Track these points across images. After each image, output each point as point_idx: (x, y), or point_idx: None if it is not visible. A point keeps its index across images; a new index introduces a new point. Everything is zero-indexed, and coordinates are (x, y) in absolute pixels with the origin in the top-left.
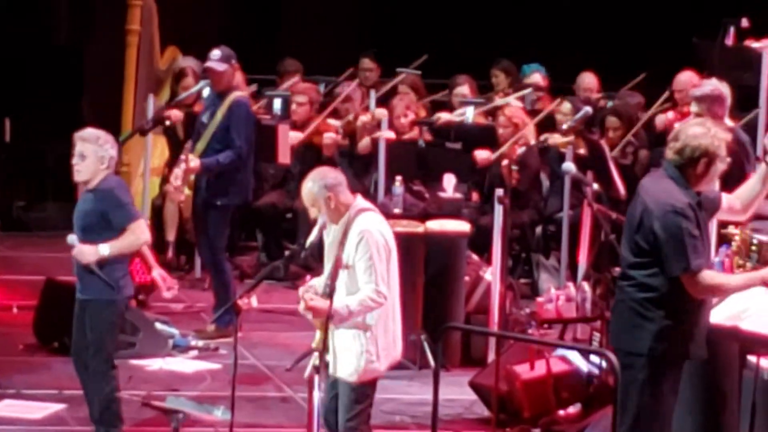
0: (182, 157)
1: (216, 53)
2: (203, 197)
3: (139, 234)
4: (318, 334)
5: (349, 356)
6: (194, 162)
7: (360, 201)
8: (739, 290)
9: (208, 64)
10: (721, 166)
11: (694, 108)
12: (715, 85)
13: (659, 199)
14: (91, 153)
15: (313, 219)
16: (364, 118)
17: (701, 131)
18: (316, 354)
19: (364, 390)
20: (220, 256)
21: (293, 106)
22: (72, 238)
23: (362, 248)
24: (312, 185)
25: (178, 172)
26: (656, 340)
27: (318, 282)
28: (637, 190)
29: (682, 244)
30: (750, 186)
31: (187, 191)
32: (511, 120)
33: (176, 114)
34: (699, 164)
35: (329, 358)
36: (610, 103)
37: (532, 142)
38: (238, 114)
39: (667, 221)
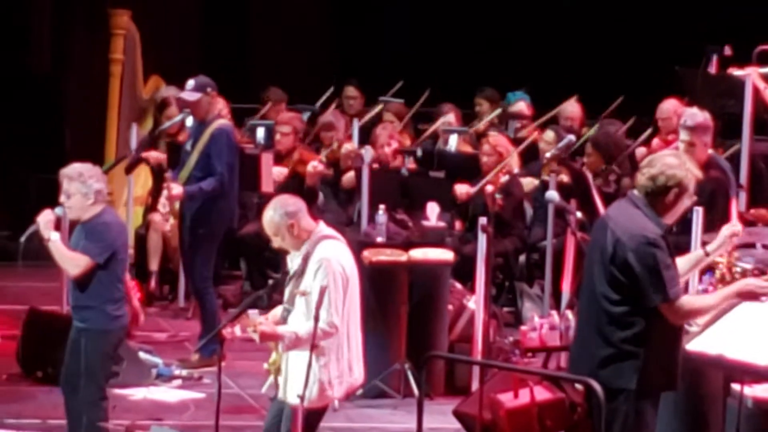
0: (165, 185)
1: (190, 83)
2: (188, 226)
3: (78, 262)
4: (273, 355)
5: (299, 382)
6: (177, 189)
7: (322, 227)
8: (716, 308)
9: (180, 94)
10: (687, 201)
11: (685, 137)
12: (705, 115)
13: (631, 231)
14: (75, 191)
15: (277, 248)
16: (348, 147)
17: (677, 162)
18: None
19: (312, 416)
20: (206, 285)
21: (277, 136)
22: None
23: (320, 278)
24: (273, 213)
25: (164, 200)
26: (639, 375)
27: (255, 313)
28: (603, 219)
29: (659, 275)
30: (680, 264)
31: (172, 220)
32: (495, 149)
33: (155, 156)
34: (669, 194)
35: (280, 380)
36: (591, 131)
37: (516, 170)
38: (220, 141)
39: (641, 253)
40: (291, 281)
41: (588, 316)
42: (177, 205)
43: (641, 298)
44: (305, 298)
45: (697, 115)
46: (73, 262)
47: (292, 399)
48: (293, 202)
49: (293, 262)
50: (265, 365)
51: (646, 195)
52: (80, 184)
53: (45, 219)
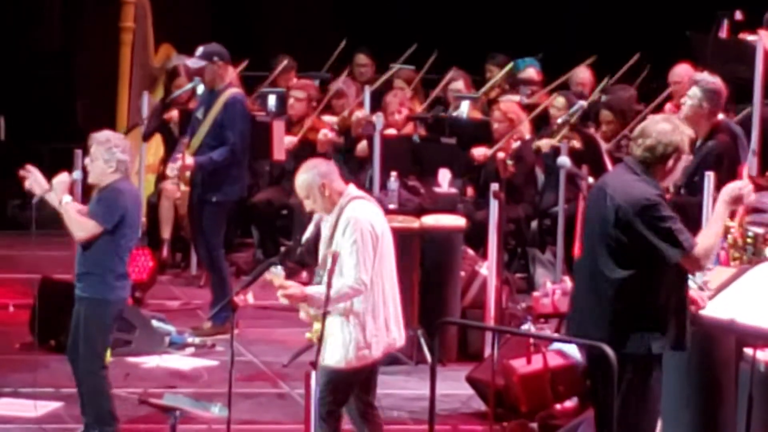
0: (178, 154)
1: (198, 51)
2: (198, 194)
3: (85, 226)
4: (316, 325)
5: (336, 344)
6: (189, 159)
7: (352, 189)
8: (720, 233)
9: (187, 61)
10: (684, 162)
11: (696, 92)
12: (717, 80)
13: (631, 197)
14: (99, 156)
15: (308, 212)
16: (359, 114)
17: (670, 127)
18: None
19: (348, 376)
20: (217, 253)
21: (291, 101)
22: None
23: (348, 235)
24: (305, 175)
25: (174, 166)
26: (646, 340)
27: (278, 269)
28: (600, 188)
29: (670, 231)
30: None
31: (183, 187)
32: (506, 115)
33: (174, 114)
34: (669, 160)
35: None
36: (604, 97)
37: (527, 136)
38: (233, 111)
39: (646, 216)
40: (324, 245)
41: (589, 285)
42: (188, 173)
43: (652, 261)
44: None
45: (714, 78)
46: (79, 225)
47: (331, 361)
48: (325, 164)
49: (324, 226)
50: (308, 335)
51: (644, 163)
52: (105, 150)
53: (60, 180)
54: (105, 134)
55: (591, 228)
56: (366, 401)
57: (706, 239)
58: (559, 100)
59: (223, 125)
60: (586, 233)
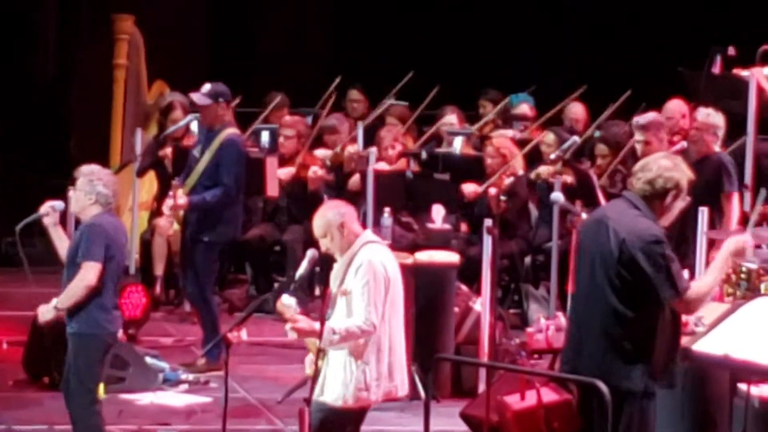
0: (170, 192)
1: (205, 87)
2: (191, 232)
3: (84, 275)
4: (309, 356)
5: (336, 382)
6: (182, 199)
7: (369, 234)
8: (718, 280)
9: (192, 95)
10: (681, 203)
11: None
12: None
13: (636, 231)
14: (81, 187)
15: (324, 251)
16: (351, 149)
17: (671, 164)
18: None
19: (342, 415)
20: (207, 292)
21: (281, 140)
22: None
23: (360, 276)
24: (328, 212)
25: (168, 204)
26: (646, 375)
27: (291, 301)
28: (600, 221)
29: (669, 271)
30: None
31: (176, 226)
32: (499, 151)
33: (169, 151)
34: (668, 196)
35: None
36: (597, 133)
37: (521, 172)
38: (229, 152)
39: (649, 252)
40: (334, 286)
41: (589, 320)
42: (181, 212)
43: (653, 297)
44: (346, 299)
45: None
46: (83, 281)
47: (329, 399)
48: (347, 206)
49: (336, 267)
50: (308, 370)
51: (644, 198)
52: (87, 182)
53: (42, 313)
54: (91, 167)
55: (590, 262)
56: None
57: (702, 286)
58: (550, 137)
59: (218, 166)
60: (582, 267)
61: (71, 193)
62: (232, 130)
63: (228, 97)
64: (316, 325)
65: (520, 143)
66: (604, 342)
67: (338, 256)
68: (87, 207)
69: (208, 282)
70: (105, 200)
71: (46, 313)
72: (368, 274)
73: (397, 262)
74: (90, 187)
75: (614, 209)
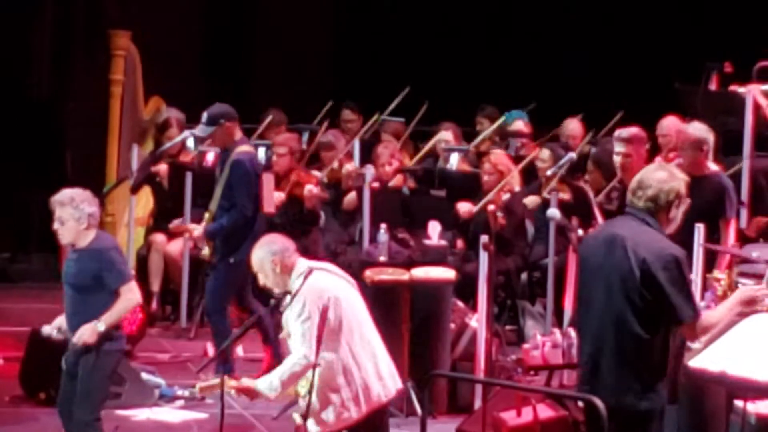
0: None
1: (203, 117)
2: (219, 256)
3: (130, 296)
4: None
5: (318, 410)
6: (197, 231)
7: (302, 264)
8: (726, 320)
9: (194, 130)
10: (683, 207)
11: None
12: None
13: (656, 251)
14: (69, 216)
15: (261, 286)
16: (348, 167)
17: (666, 175)
18: (301, 400)
19: None
20: (223, 311)
21: (274, 158)
22: (46, 329)
23: (295, 311)
24: (258, 251)
25: (200, 244)
26: (662, 394)
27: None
28: (613, 240)
29: (689, 292)
30: None
31: (207, 251)
32: (496, 167)
33: (162, 168)
34: (672, 208)
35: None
36: (593, 149)
37: (517, 188)
38: (238, 173)
39: (672, 272)
40: (284, 322)
41: (605, 340)
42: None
43: (669, 317)
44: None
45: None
46: (124, 305)
47: (312, 428)
48: (280, 242)
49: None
50: (295, 415)
51: (650, 214)
52: (73, 210)
53: (83, 335)
54: (66, 194)
55: (606, 282)
56: None
57: (712, 318)
58: (545, 153)
59: (231, 187)
60: (594, 287)
61: (56, 226)
62: (240, 149)
63: (230, 115)
64: (256, 383)
65: (517, 160)
66: (622, 363)
67: (276, 291)
68: (81, 233)
69: (227, 299)
70: (95, 220)
71: (90, 334)
72: (302, 308)
73: (344, 279)
74: (78, 212)
75: (626, 227)
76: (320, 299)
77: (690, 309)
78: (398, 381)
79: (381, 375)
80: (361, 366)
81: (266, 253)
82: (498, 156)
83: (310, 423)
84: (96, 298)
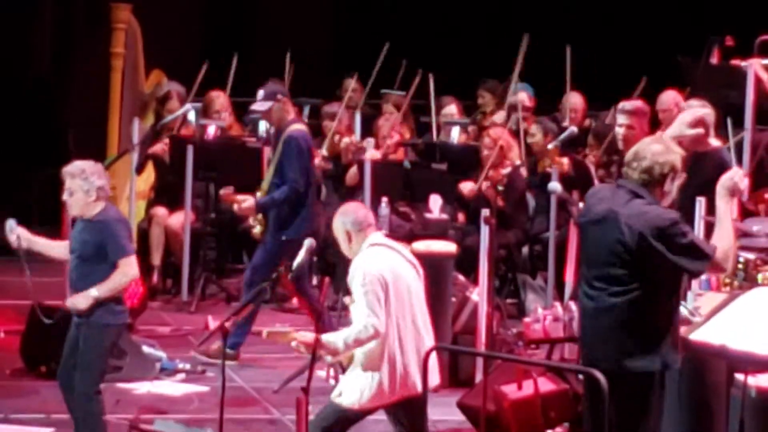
0: (222, 193)
1: (259, 94)
2: (271, 232)
3: (127, 271)
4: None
5: (354, 385)
6: (248, 202)
7: (373, 237)
8: (730, 225)
9: (252, 107)
10: (678, 181)
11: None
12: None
13: (651, 221)
14: (77, 188)
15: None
16: (347, 140)
17: (662, 148)
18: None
19: (354, 416)
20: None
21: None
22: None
23: (357, 282)
24: (336, 220)
25: (235, 209)
26: (664, 357)
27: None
28: (606, 216)
29: (694, 246)
30: None
31: (259, 228)
32: (496, 141)
33: (160, 146)
34: (666, 181)
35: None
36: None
37: (518, 162)
38: (290, 149)
39: (670, 237)
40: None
41: (607, 311)
42: (260, 215)
43: (684, 273)
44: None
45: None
46: (119, 279)
47: (345, 401)
48: (354, 212)
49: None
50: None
51: (644, 185)
52: (82, 181)
53: (76, 302)
54: (77, 165)
55: (603, 255)
56: None
57: (722, 241)
58: (534, 127)
59: (283, 164)
60: (593, 259)
61: (65, 197)
62: (294, 127)
63: (285, 92)
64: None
65: (517, 133)
66: (623, 331)
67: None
68: (90, 205)
69: (269, 275)
70: (104, 193)
71: (83, 301)
72: (363, 280)
73: (407, 261)
74: (88, 184)
75: (618, 201)
76: (380, 274)
77: (701, 259)
78: (437, 376)
79: (417, 367)
80: (405, 351)
81: (340, 223)
82: (498, 130)
83: (342, 395)
84: (98, 269)
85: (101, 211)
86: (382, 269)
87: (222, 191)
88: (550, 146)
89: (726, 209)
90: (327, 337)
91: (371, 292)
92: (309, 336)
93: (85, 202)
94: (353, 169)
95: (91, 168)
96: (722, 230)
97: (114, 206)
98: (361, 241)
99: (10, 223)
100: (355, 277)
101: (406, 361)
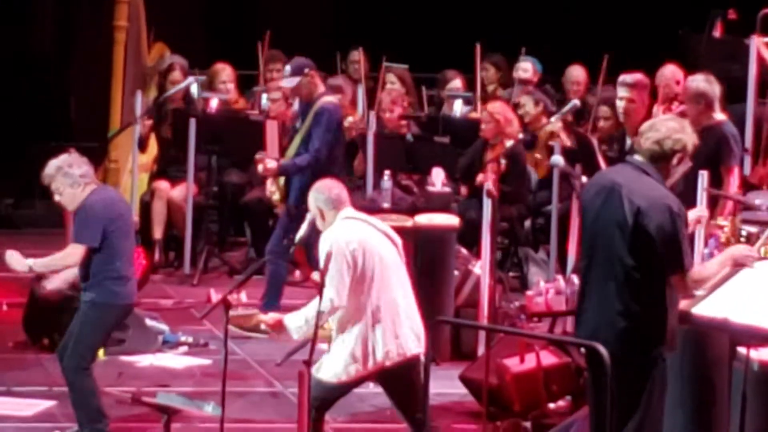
0: (257, 157)
1: (286, 70)
2: (294, 199)
3: (69, 254)
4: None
5: (331, 359)
6: (271, 164)
7: (345, 212)
8: (716, 275)
9: (280, 83)
10: (684, 167)
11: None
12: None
13: (652, 200)
14: (62, 185)
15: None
16: (350, 119)
17: (679, 126)
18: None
19: (336, 390)
20: (284, 254)
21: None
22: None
23: (325, 257)
24: (309, 196)
25: (271, 181)
26: (659, 339)
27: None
28: (610, 187)
29: (679, 245)
30: None
31: (278, 196)
32: (493, 116)
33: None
34: (674, 158)
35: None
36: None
37: (520, 136)
38: (320, 119)
39: (664, 222)
40: None
41: (605, 285)
42: (282, 181)
43: (659, 266)
44: None
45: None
46: (57, 260)
47: (324, 375)
48: (327, 190)
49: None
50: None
51: (651, 160)
52: (63, 177)
53: (12, 258)
54: (51, 165)
55: (605, 230)
56: (416, 420)
57: (704, 271)
58: (525, 99)
59: (312, 133)
60: (594, 231)
61: (57, 199)
62: (327, 99)
63: (312, 66)
64: (284, 318)
65: (516, 106)
66: (621, 308)
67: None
68: (79, 195)
69: (290, 244)
70: (89, 178)
71: (17, 264)
72: (331, 256)
73: (381, 232)
74: (69, 179)
75: (624, 175)
76: (347, 246)
77: (679, 262)
78: (422, 344)
79: (398, 334)
80: (377, 321)
81: (313, 199)
82: (495, 105)
83: (321, 370)
84: (93, 257)
85: (86, 197)
86: (350, 241)
87: (257, 155)
88: (552, 119)
89: (723, 261)
90: (290, 316)
91: (334, 264)
92: (274, 317)
93: (75, 195)
94: (358, 159)
95: (66, 161)
96: (710, 267)
97: (103, 188)
98: (333, 218)
99: (15, 256)
100: (323, 249)
101: (381, 332)
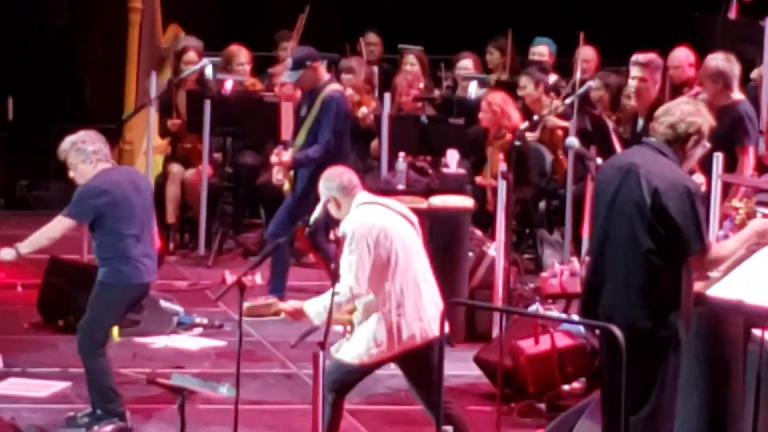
0: (275, 151)
1: (288, 63)
2: (299, 189)
3: (54, 225)
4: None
5: (353, 341)
6: (286, 156)
7: (360, 197)
8: (738, 252)
9: (283, 79)
10: (701, 150)
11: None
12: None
13: (670, 180)
14: (75, 161)
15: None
16: (364, 110)
17: (694, 109)
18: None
19: (357, 372)
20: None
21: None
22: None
23: (346, 242)
24: (320, 184)
25: (277, 167)
26: (676, 322)
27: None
28: (628, 167)
29: (698, 226)
30: None
31: (287, 186)
32: (491, 107)
33: (173, 122)
34: (689, 141)
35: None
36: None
37: (522, 126)
38: (328, 108)
39: (683, 203)
40: None
41: (620, 266)
42: (291, 172)
43: (678, 248)
44: None
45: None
46: (48, 231)
47: (345, 356)
48: (339, 177)
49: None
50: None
51: (667, 143)
52: (77, 153)
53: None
54: (67, 141)
55: (622, 211)
56: (431, 402)
57: (723, 250)
58: (523, 79)
59: (320, 123)
60: (610, 216)
61: (71, 175)
62: (332, 87)
63: (314, 56)
64: (304, 304)
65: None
66: (639, 291)
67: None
68: (90, 171)
69: (291, 228)
70: (103, 155)
71: (5, 255)
72: (351, 242)
73: (398, 214)
74: (82, 155)
75: (641, 156)
76: (369, 232)
77: (698, 241)
78: (434, 323)
79: (422, 317)
80: (401, 304)
81: (325, 189)
82: (493, 95)
83: (341, 351)
84: (97, 234)
85: (94, 176)
86: (372, 227)
87: (276, 150)
88: (567, 101)
89: (746, 238)
90: (310, 303)
91: (355, 251)
92: (293, 305)
93: (86, 171)
94: (375, 142)
95: (80, 137)
96: (730, 244)
97: (119, 169)
98: (350, 204)
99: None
100: (345, 237)
101: (404, 315)
